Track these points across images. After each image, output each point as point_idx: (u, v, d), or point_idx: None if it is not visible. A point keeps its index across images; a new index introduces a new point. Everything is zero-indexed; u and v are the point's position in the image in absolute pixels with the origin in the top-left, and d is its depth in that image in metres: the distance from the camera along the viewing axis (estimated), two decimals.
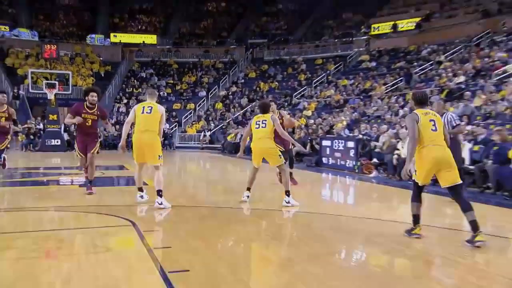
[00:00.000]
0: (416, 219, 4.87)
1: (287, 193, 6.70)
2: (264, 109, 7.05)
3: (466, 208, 4.56)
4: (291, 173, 8.36)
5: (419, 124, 4.73)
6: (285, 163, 7.27)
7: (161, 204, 6.26)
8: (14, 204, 6.92)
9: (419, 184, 4.83)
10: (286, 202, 6.64)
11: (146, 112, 6.42)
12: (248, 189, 6.95)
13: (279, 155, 6.85)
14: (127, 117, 6.88)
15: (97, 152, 7.69)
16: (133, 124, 6.65)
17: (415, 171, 4.82)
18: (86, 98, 7.52)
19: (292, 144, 8.04)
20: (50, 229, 5.29)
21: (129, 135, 7.09)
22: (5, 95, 8.40)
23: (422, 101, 5.00)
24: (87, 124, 7.43)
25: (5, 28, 34.82)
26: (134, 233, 4.91)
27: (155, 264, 3.81)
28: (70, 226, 5.38)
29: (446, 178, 4.67)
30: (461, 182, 4.76)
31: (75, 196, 7.61)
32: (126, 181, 10.28)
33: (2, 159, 8.51)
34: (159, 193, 6.30)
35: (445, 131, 4.92)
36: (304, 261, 4.07)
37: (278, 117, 7.73)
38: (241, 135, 21.88)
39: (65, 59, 32.45)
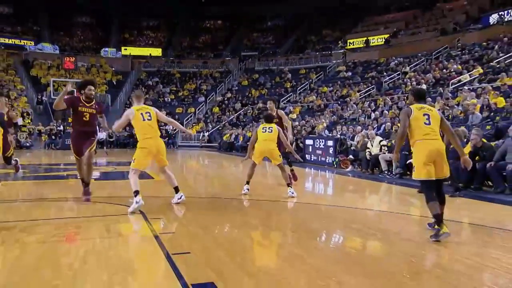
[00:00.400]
0: (438, 218, 4.11)
1: (289, 185, 6.77)
2: (269, 120, 7.19)
3: (443, 202, 4.28)
4: (292, 170, 8.23)
5: (411, 117, 4.28)
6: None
7: (182, 197, 5.85)
8: (38, 195, 6.83)
9: (425, 179, 4.21)
10: (291, 193, 6.64)
11: (147, 119, 5.59)
12: (248, 182, 6.95)
13: (279, 155, 6.94)
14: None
15: (95, 152, 6.15)
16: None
17: (414, 167, 4.30)
18: (83, 91, 5.91)
19: (289, 151, 7.55)
20: (69, 217, 5.24)
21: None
22: (6, 98, 7.43)
23: (420, 96, 4.53)
24: (84, 119, 5.86)
25: (30, 43, 34.51)
26: (142, 221, 4.88)
27: (160, 247, 3.78)
28: (86, 215, 5.32)
29: (437, 171, 4.22)
30: (448, 175, 4.38)
31: (91, 188, 7.52)
32: None
33: (14, 162, 7.78)
34: (178, 188, 5.87)
35: (445, 125, 4.41)
36: (290, 244, 4.07)
37: (275, 114, 7.66)
38: (236, 135, 21.84)
39: (82, 70, 32.20)
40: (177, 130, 26.87)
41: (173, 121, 6.10)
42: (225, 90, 32.56)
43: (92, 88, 5.97)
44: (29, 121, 25.38)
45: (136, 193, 5.32)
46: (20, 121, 22.75)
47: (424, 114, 4.31)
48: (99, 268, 3.26)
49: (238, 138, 21.29)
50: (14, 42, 34.23)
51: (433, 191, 4.22)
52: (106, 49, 36.25)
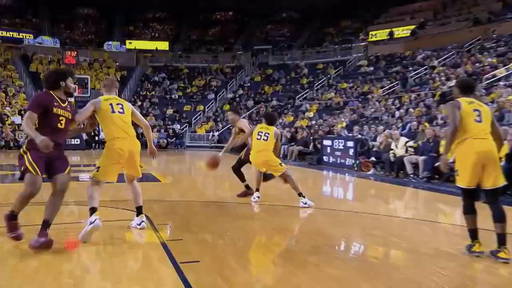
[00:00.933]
0: (473, 233, 3.89)
1: (300, 195, 6.35)
2: (271, 121, 6.71)
3: (499, 219, 3.78)
4: (247, 186, 7.19)
5: (461, 111, 3.85)
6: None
7: (142, 223, 4.76)
8: (38, 198, 6.93)
9: (465, 188, 3.87)
10: (303, 203, 6.25)
11: (119, 112, 4.50)
12: (257, 190, 6.73)
13: (280, 164, 6.52)
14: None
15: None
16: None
17: (456, 171, 3.91)
18: (62, 83, 4.19)
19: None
20: (71, 222, 5.31)
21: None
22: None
23: (467, 89, 4.09)
24: (58, 125, 4.13)
25: (29, 36, 35.09)
26: (148, 226, 4.92)
27: (167, 255, 3.81)
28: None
29: (487, 178, 3.78)
30: (504, 183, 3.89)
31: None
32: (140, 178, 10.31)
33: None
34: (141, 209, 4.82)
35: (496, 125, 4.02)
36: (305, 252, 4.06)
37: (236, 130, 7.13)
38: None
39: (84, 65, 32.62)
40: (184, 129, 27.10)
41: (148, 127, 4.88)
42: (237, 86, 32.64)
43: (72, 81, 4.34)
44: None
45: (92, 210, 4.32)
46: (18, 120, 23.20)
47: (475, 110, 3.88)
48: (102, 276, 3.31)
49: (250, 138, 21.29)
50: (12, 35, 34.83)
51: (472, 201, 3.90)
52: (110, 42, 36.61)
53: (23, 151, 4.01)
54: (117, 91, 4.86)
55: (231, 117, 7.28)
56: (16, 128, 22.10)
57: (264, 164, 6.58)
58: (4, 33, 34.47)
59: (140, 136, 5.39)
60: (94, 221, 4.19)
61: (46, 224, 4.08)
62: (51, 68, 31.12)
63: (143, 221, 4.74)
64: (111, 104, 4.49)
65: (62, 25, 39.80)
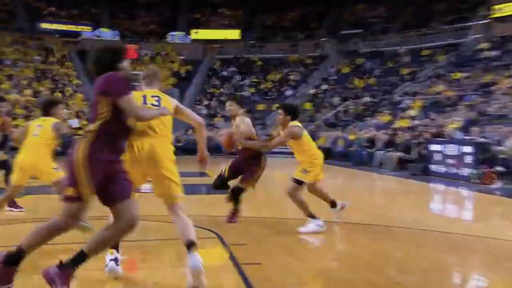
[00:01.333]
0: None
1: (312, 215, 5.98)
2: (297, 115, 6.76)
3: None
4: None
5: None
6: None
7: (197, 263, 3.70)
8: (100, 211, 7.40)
9: None
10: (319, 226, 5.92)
11: (152, 104, 4.07)
12: (334, 205, 6.39)
13: None
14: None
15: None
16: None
17: None
18: (119, 64, 3.54)
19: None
20: (133, 239, 5.59)
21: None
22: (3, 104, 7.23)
23: None
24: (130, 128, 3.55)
25: (88, 29, 37.76)
26: (220, 247, 5.05)
27: (244, 282, 3.87)
28: (153, 237, 5.64)
29: None
30: None
31: (156, 204, 7.95)
32: (207, 189, 10.62)
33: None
34: (193, 245, 3.82)
35: None
36: (415, 285, 3.92)
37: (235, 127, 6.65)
38: (334, 139, 21.68)
39: (146, 59, 34.41)
40: (258, 132, 27.51)
41: (202, 126, 4.46)
42: (320, 80, 32.58)
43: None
44: (86, 122, 27.80)
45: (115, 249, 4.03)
46: (76, 123, 25.05)
47: None
48: None
49: (336, 142, 21.23)
50: (69, 28, 37.68)
51: None
52: (173, 33, 38.25)
53: (80, 163, 3.22)
54: (160, 85, 4.45)
55: (231, 108, 6.72)
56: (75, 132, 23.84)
57: None
58: (61, 27, 37.32)
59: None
60: (107, 264, 3.93)
61: (82, 258, 3.31)
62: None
63: (197, 260, 3.68)
64: (144, 96, 4.12)
65: (122, 15, 42.35)
